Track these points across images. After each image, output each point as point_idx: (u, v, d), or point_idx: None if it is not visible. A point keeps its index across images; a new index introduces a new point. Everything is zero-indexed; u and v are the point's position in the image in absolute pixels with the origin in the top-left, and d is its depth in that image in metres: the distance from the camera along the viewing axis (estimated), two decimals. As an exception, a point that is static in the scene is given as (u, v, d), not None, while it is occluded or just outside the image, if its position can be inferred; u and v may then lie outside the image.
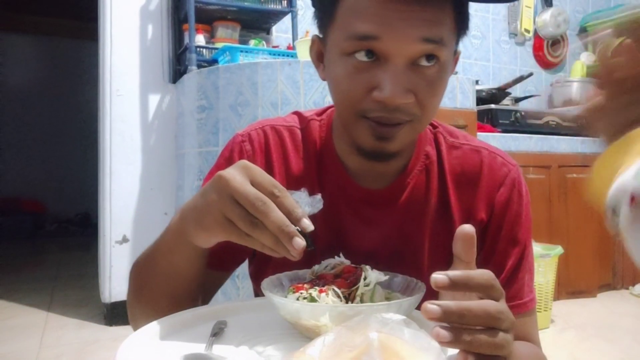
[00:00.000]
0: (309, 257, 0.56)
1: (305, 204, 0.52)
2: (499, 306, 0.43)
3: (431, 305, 0.40)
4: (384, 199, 0.69)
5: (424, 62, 0.58)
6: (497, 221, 0.69)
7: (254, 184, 0.50)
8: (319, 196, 0.54)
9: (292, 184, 0.68)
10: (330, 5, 0.61)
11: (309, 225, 0.50)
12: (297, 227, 0.49)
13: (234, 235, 0.51)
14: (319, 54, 0.67)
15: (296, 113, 0.77)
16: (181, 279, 0.62)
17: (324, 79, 0.67)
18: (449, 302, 0.41)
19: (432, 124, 0.73)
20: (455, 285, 0.42)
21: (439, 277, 0.41)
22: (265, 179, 0.50)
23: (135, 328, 0.63)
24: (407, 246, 0.69)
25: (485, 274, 0.44)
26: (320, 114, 0.75)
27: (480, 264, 0.69)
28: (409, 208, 0.69)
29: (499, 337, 0.42)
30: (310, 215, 0.52)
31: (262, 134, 0.73)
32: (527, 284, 0.69)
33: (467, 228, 0.47)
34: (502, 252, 0.69)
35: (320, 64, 0.67)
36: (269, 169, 0.71)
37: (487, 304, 0.42)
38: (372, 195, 0.69)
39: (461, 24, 0.62)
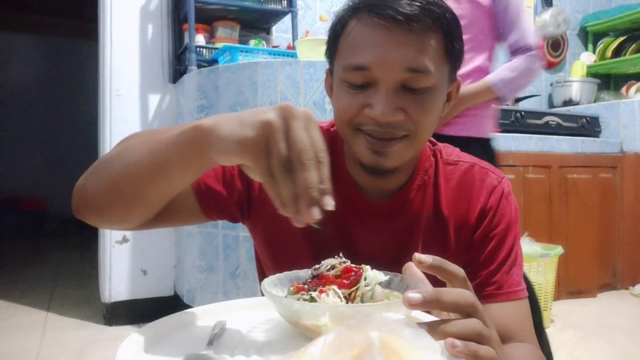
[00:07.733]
0: (316, 257, 0.60)
1: None
2: (477, 325, 0.44)
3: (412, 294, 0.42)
4: (386, 211, 0.76)
5: (414, 85, 0.65)
6: (488, 224, 0.75)
7: (310, 137, 0.47)
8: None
9: None
10: (334, 38, 0.71)
11: (330, 203, 0.47)
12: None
13: (260, 167, 0.47)
14: (331, 86, 0.75)
15: None
16: (166, 194, 0.61)
17: (334, 105, 0.73)
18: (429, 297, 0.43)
19: (431, 142, 0.80)
20: (427, 304, 0.43)
21: (412, 295, 0.42)
22: (320, 141, 0.48)
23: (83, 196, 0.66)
24: (404, 253, 0.72)
25: (456, 294, 0.45)
26: (330, 126, 0.80)
27: (474, 263, 0.74)
28: (406, 220, 0.76)
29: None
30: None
31: None
32: (516, 277, 0.75)
33: (417, 258, 0.48)
34: (493, 250, 0.74)
35: (332, 93, 0.74)
36: None
37: (470, 323, 0.44)
38: (376, 207, 0.75)
39: (452, 54, 0.68)
